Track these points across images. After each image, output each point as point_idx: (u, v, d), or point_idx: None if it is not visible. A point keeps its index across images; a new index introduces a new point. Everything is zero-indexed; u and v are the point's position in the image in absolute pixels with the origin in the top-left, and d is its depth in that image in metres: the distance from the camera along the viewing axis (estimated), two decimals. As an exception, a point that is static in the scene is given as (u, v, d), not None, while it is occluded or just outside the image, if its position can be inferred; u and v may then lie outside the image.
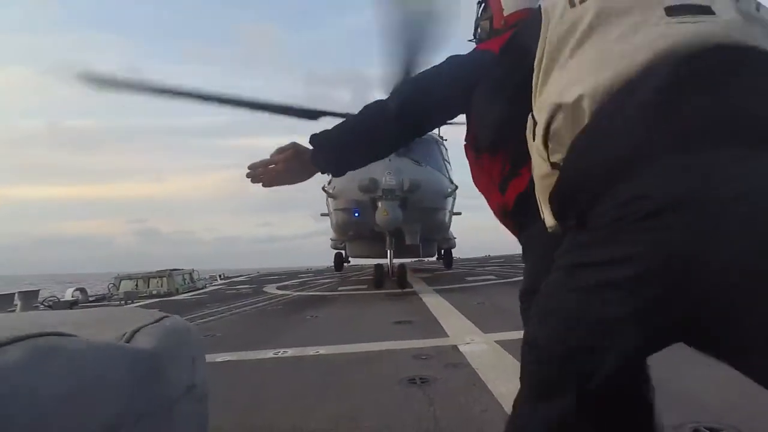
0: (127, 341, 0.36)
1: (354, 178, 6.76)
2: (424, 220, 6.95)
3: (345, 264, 15.54)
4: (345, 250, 13.62)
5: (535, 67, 0.92)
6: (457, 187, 9.66)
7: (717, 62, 0.73)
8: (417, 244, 6.98)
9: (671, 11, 0.82)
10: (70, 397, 0.27)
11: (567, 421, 0.77)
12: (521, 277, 1.38)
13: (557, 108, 0.82)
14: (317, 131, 1.37)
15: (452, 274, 12.25)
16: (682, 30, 0.78)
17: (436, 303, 6.61)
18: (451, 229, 16.91)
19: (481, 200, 1.57)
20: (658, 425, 0.90)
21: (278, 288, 11.63)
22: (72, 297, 10.70)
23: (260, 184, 1.40)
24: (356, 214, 7.05)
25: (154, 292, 11.95)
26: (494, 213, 1.52)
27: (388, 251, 7.35)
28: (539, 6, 1.01)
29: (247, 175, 1.39)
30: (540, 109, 0.89)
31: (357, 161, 1.40)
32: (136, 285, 12.42)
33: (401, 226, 6.83)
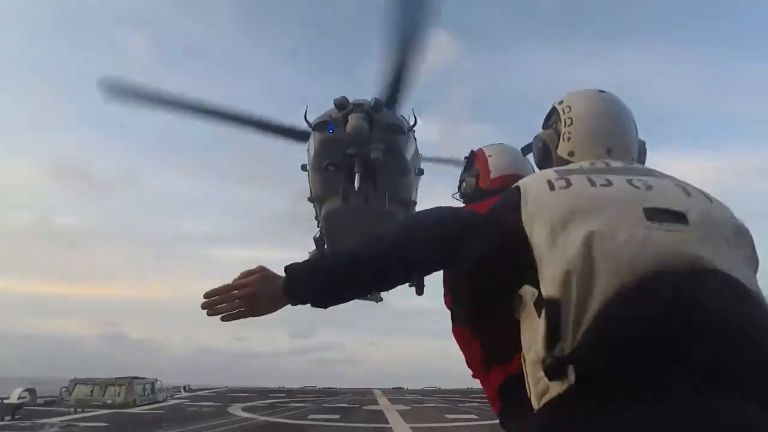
0: None
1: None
2: (386, 140, 7.90)
3: None
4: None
5: (520, 248, 0.93)
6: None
7: (682, 294, 0.79)
8: (380, 159, 7.83)
9: (651, 214, 0.86)
10: None
11: None
12: None
13: (558, 299, 0.82)
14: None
15: (432, 409, 11.51)
16: (660, 242, 0.82)
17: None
18: None
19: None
20: None
21: (244, 409, 10.76)
22: (19, 399, 9.78)
23: (218, 317, 1.12)
24: (330, 130, 7.96)
25: (109, 402, 10.97)
26: (483, 388, 1.45)
27: (356, 174, 8.00)
28: (517, 186, 1.06)
29: (203, 306, 1.11)
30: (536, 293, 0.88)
31: (348, 290, 1.18)
32: (92, 392, 11.43)
33: (367, 143, 7.75)
